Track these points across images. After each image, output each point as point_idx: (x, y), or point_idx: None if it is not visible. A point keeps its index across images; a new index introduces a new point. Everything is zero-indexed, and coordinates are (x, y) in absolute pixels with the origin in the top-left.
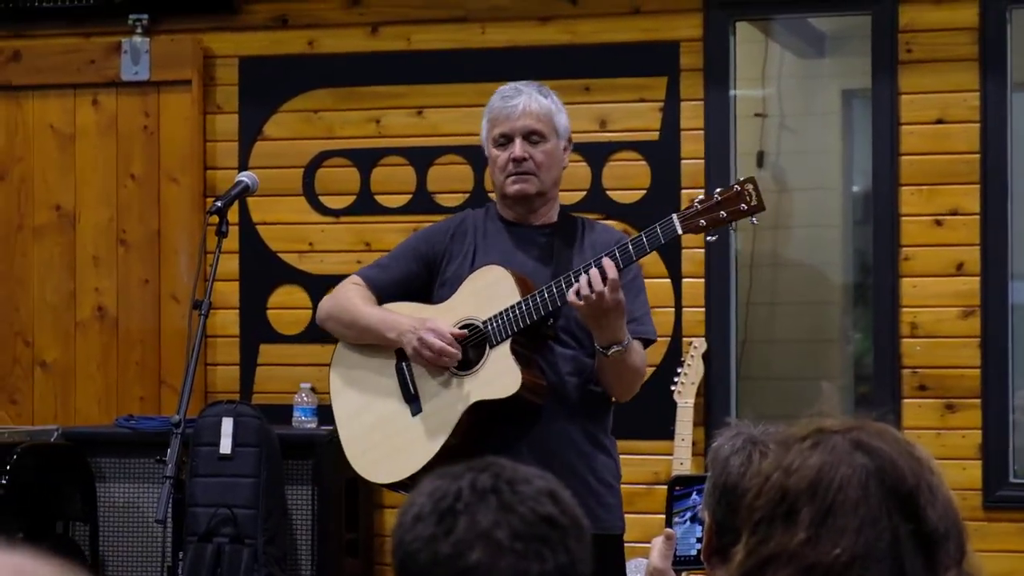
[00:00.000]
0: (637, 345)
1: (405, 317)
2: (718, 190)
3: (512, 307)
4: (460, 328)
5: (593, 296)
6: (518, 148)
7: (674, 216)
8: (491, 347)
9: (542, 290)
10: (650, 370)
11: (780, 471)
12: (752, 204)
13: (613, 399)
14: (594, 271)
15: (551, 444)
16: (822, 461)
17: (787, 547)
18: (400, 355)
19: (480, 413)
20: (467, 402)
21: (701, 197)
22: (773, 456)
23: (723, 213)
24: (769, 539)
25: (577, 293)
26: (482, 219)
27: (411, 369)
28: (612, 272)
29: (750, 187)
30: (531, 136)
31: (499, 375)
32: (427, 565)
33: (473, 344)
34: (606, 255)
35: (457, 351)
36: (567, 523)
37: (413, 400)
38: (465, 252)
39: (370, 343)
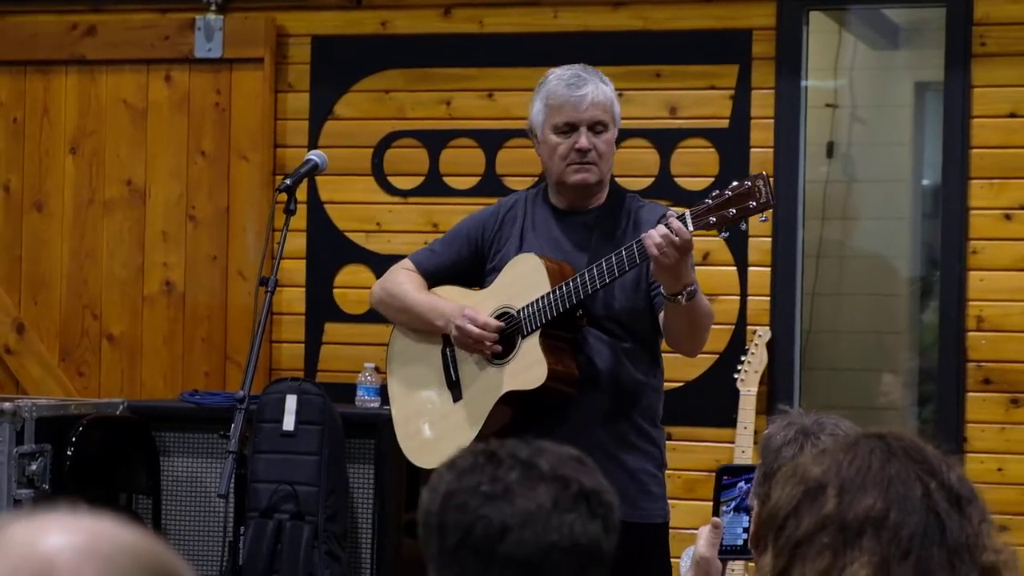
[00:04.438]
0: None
1: (450, 304)
2: (731, 185)
3: (541, 297)
4: (498, 316)
5: (667, 250)
6: (584, 139)
7: (687, 213)
8: (522, 337)
9: (570, 280)
10: (713, 358)
11: (796, 476)
12: (761, 201)
13: (661, 383)
14: (674, 223)
15: (591, 432)
16: (840, 447)
17: (819, 518)
18: (446, 341)
19: (513, 402)
20: (498, 392)
21: (715, 192)
22: (783, 474)
23: (732, 211)
24: (799, 524)
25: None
26: (532, 202)
27: (454, 355)
28: (676, 225)
29: (760, 183)
30: (596, 126)
31: (528, 366)
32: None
33: (509, 333)
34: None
35: (493, 336)
36: (608, 502)
37: (455, 387)
38: (513, 237)
39: (419, 328)
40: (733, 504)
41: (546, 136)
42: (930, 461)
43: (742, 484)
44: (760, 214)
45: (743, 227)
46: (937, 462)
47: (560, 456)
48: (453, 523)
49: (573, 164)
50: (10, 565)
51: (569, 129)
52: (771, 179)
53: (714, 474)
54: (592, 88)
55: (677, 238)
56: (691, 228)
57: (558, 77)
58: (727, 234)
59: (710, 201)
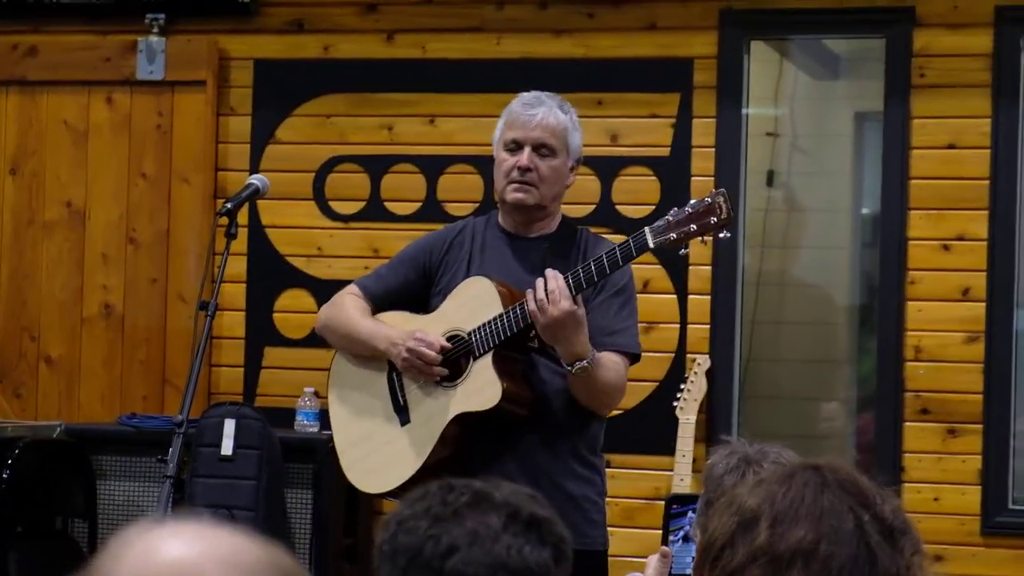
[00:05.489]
0: (610, 360)
1: (395, 329)
2: (691, 202)
3: (495, 318)
4: (446, 339)
5: (545, 304)
6: (525, 157)
7: (646, 229)
8: (474, 359)
9: (523, 301)
10: (652, 385)
11: (733, 507)
12: (722, 217)
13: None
14: (539, 280)
15: (537, 458)
16: (776, 479)
17: (751, 550)
18: (391, 366)
19: (465, 425)
20: (450, 414)
21: (674, 210)
22: (720, 504)
23: (693, 227)
24: (734, 556)
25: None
26: (482, 228)
27: (401, 380)
28: (553, 283)
29: (721, 200)
30: (541, 148)
31: (481, 387)
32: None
33: (458, 356)
34: (573, 271)
35: (438, 357)
36: (560, 533)
37: (402, 411)
38: (461, 261)
39: (363, 354)
40: (681, 533)
41: (497, 153)
42: (864, 493)
43: (691, 513)
44: (721, 230)
45: (703, 242)
46: (872, 494)
47: (513, 489)
48: (403, 546)
49: (513, 182)
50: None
51: (516, 147)
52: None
53: (656, 501)
54: (545, 111)
55: (552, 305)
56: (652, 245)
57: (520, 98)
58: (686, 251)
59: (670, 218)
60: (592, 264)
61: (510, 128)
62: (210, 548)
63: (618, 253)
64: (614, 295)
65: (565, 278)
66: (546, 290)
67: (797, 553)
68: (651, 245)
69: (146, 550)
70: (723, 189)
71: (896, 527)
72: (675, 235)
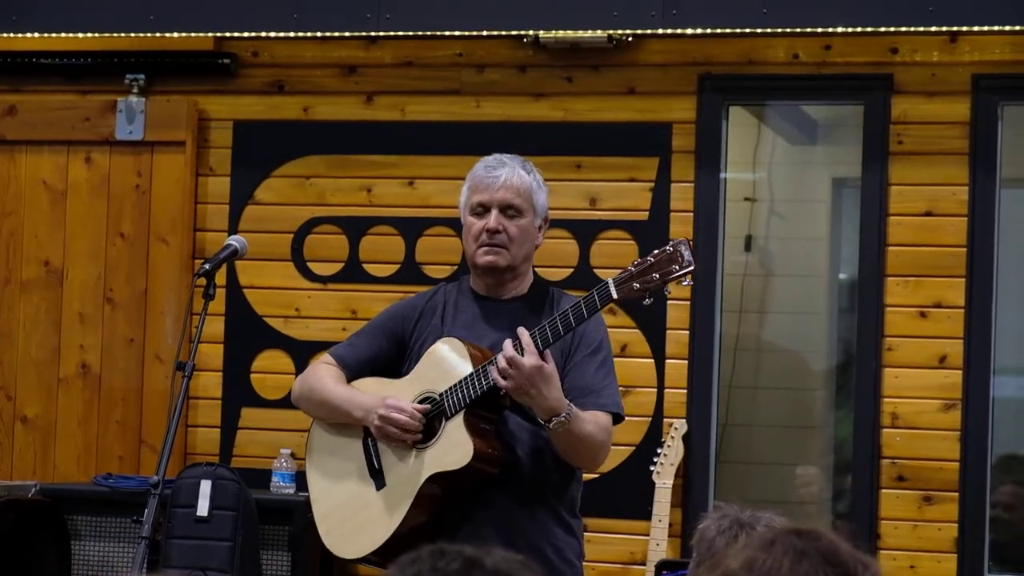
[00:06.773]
0: (591, 414)
1: (369, 396)
2: (653, 252)
3: (465, 379)
4: (419, 401)
5: (510, 370)
6: (493, 220)
7: (610, 281)
8: (446, 419)
9: (493, 359)
10: (629, 450)
11: (717, 571)
12: (684, 264)
13: (581, 472)
14: (507, 341)
15: (512, 518)
16: (758, 544)
17: None
18: (366, 431)
19: (439, 486)
20: (423, 476)
21: (636, 260)
22: (707, 567)
23: (656, 275)
24: None
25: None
26: (454, 293)
27: (376, 445)
28: (518, 343)
29: (682, 247)
30: (508, 209)
31: (452, 447)
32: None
33: (432, 416)
34: (539, 327)
35: (417, 423)
36: None
37: (377, 475)
38: (434, 327)
39: (339, 422)
40: None
41: (465, 218)
42: (844, 562)
43: None
44: (683, 279)
45: (667, 292)
46: (852, 562)
47: (505, 556)
48: None
49: (483, 245)
50: None
51: (483, 210)
52: (691, 243)
53: (632, 566)
54: (508, 172)
55: (515, 367)
56: (615, 296)
57: (483, 161)
58: (651, 300)
59: (632, 268)
60: (558, 319)
61: (475, 192)
62: None
63: (583, 306)
64: (591, 354)
65: (532, 335)
66: (515, 347)
67: None
68: (615, 296)
69: None
70: (685, 238)
71: None
72: (638, 285)
